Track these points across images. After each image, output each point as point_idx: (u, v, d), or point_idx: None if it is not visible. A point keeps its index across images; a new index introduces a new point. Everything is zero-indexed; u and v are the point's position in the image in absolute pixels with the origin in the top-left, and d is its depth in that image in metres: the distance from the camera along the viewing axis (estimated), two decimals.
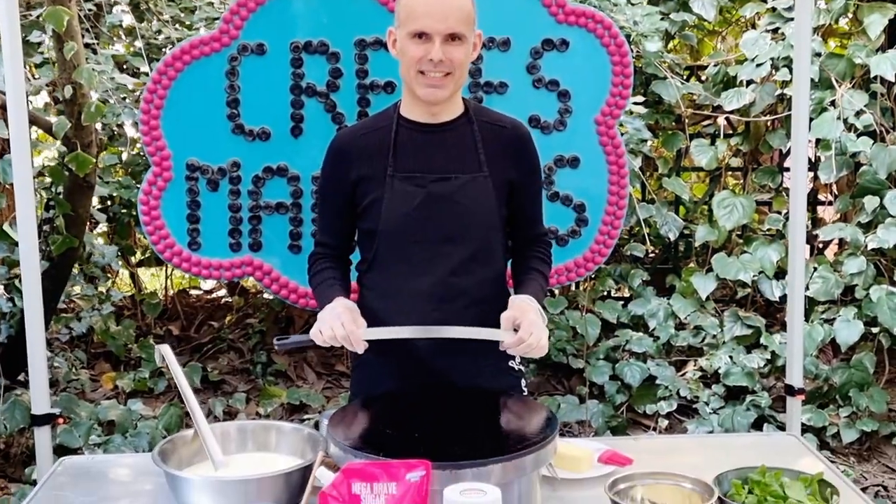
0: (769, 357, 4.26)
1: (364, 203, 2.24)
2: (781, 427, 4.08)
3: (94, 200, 4.56)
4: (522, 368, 2.42)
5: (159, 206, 2.82)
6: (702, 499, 1.81)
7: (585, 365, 4.34)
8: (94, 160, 3.41)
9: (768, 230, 4.61)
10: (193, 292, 5.41)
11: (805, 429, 4.02)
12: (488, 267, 2.29)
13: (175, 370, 2.04)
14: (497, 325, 2.32)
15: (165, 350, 2.08)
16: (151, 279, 5.45)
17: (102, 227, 4.89)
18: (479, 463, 1.73)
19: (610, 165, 2.91)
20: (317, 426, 4.17)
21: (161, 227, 2.82)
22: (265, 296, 5.10)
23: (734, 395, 4.24)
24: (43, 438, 2.75)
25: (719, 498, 1.79)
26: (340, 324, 2.08)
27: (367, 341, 2.12)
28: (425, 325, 2.21)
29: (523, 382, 2.43)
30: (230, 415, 4.20)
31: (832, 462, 3.07)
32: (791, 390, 3.05)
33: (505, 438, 1.89)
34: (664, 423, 4.18)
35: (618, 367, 4.29)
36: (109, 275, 4.82)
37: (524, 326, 2.11)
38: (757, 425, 4.07)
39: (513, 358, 2.35)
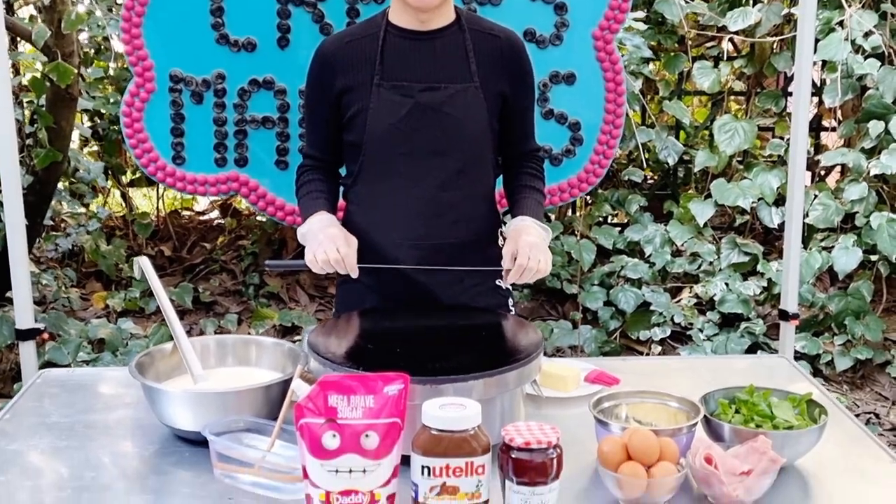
0: (765, 285, 4.23)
1: (349, 113, 2.16)
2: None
3: (84, 119, 4.48)
4: (510, 288, 2.38)
5: (142, 118, 2.73)
6: (687, 417, 1.77)
7: (579, 290, 4.30)
8: (77, 70, 3.31)
9: (770, 156, 4.53)
10: (185, 213, 5.35)
11: (799, 356, 4.01)
12: (478, 182, 2.23)
13: (153, 282, 1.99)
14: (486, 242, 2.28)
15: (144, 262, 2.03)
16: (144, 199, 5.39)
17: (94, 147, 4.81)
18: (459, 378, 1.70)
19: (607, 83, 2.82)
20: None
21: (144, 141, 2.75)
22: (258, 217, 5.05)
23: (728, 322, 4.22)
24: (28, 354, 2.72)
25: (705, 416, 1.75)
26: (335, 248, 2.03)
27: (360, 267, 2.06)
28: (412, 242, 2.16)
29: (510, 302, 2.39)
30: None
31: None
32: (785, 315, 3.01)
33: (488, 354, 1.85)
34: (657, 349, 4.16)
35: (612, 292, 4.25)
36: (101, 194, 4.77)
37: (521, 251, 2.05)
38: (750, 352, 4.04)
39: (500, 276, 2.30)
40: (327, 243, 2.04)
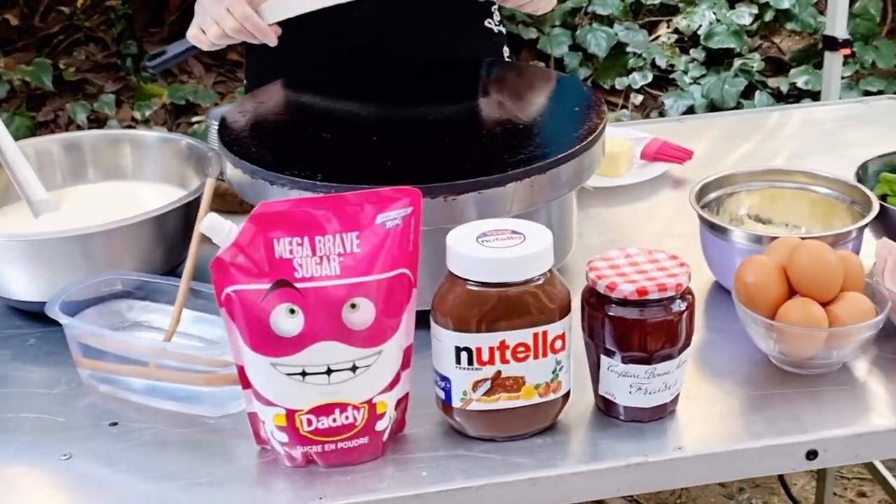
0: (756, 12, 3.59)
1: None
2: (774, 94, 3.45)
3: None
4: (503, 30, 1.64)
5: None
6: (848, 211, 1.11)
7: (539, 35, 3.60)
8: None
9: None
10: None
11: (799, 93, 3.43)
12: None
13: None
14: None
15: None
16: None
17: None
18: (490, 181, 1.00)
19: None
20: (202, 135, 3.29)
21: None
22: None
23: (716, 60, 3.60)
24: None
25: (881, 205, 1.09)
26: (225, 10, 1.23)
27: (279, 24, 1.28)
28: None
29: (506, 51, 1.67)
30: (98, 122, 3.38)
31: None
32: (832, 43, 2.35)
33: (524, 138, 1.13)
34: (638, 98, 3.53)
35: (578, 34, 3.59)
36: None
37: None
38: (747, 96, 3.46)
39: (490, 15, 1.59)
40: (214, 6, 1.25)
